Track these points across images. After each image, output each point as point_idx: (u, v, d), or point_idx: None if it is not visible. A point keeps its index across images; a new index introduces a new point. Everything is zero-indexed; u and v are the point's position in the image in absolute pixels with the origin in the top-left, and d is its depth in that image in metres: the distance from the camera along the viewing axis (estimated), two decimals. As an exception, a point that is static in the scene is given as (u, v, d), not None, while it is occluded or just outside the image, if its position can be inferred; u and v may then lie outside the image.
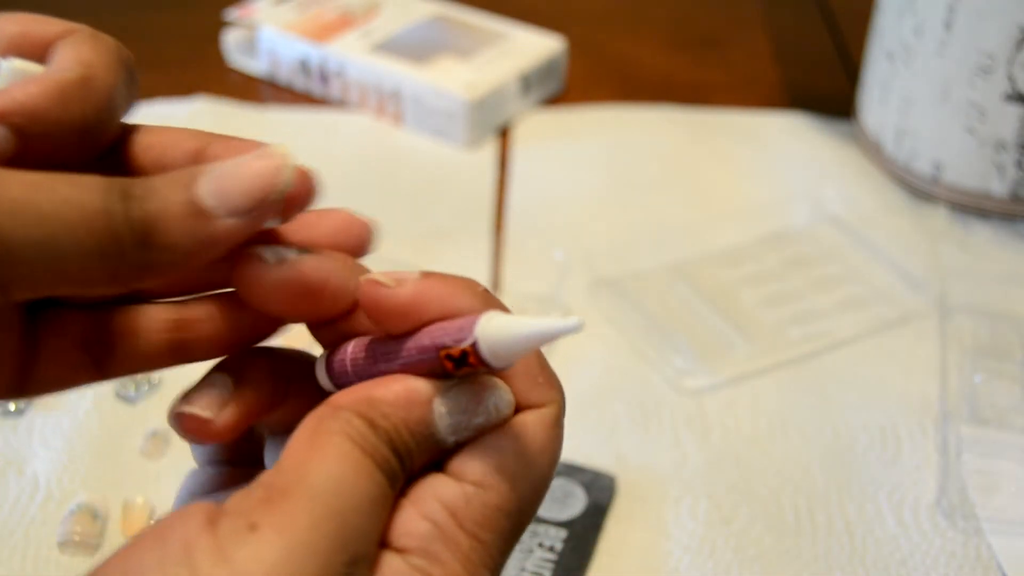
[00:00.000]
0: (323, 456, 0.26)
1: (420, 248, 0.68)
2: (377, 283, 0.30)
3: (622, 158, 0.77)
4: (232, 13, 0.86)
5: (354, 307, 0.31)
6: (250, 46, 0.86)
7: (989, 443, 0.55)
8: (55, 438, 0.54)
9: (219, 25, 0.88)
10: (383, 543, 0.27)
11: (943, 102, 0.69)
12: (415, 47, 0.83)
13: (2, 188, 0.24)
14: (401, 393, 0.28)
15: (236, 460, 0.33)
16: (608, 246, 0.68)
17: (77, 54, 0.30)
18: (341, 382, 0.30)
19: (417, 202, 0.72)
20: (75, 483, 0.52)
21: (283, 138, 0.86)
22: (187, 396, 0.30)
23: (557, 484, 0.52)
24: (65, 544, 0.49)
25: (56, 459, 0.53)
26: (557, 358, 0.60)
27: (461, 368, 0.27)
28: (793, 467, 0.54)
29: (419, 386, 0.28)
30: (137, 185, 0.27)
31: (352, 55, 0.80)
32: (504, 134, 0.80)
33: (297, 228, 0.33)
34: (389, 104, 0.80)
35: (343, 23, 0.85)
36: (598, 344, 0.61)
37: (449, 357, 0.27)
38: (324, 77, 0.82)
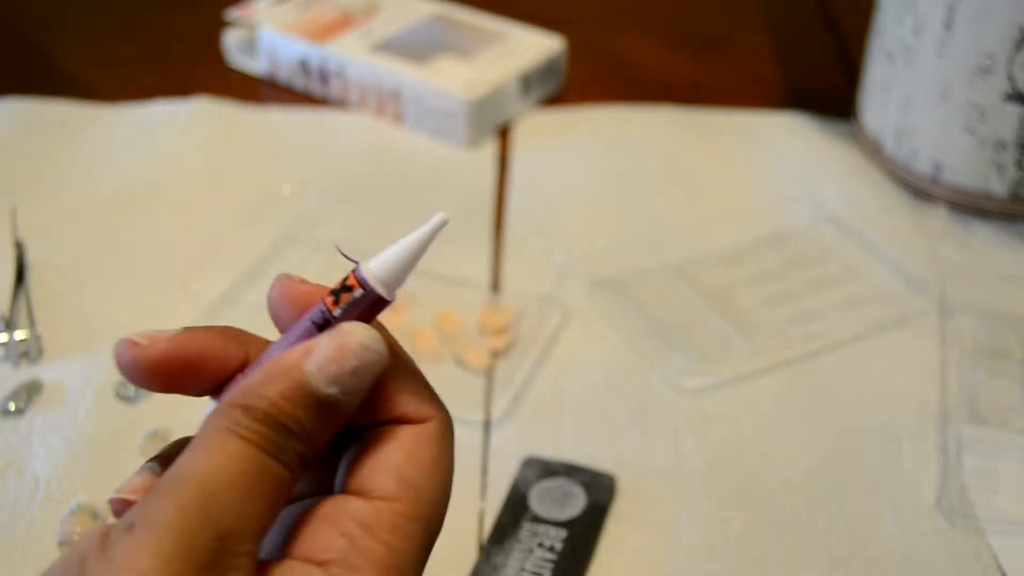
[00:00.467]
0: (200, 449, 0.28)
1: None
2: (132, 343, 0.31)
3: (622, 158, 0.77)
4: (232, 13, 0.86)
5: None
6: (250, 46, 0.86)
7: (989, 443, 0.55)
8: (55, 438, 0.54)
9: (219, 25, 0.88)
10: (306, 559, 0.29)
11: (943, 102, 0.69)
12: (415, 47, 0.83)
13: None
14: (270, 370, 0.29)
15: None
16: (608, 246, 0.68)
17: None
18: None
19: (417, 202, 0.72)
20: (75, 483, 0.52)
21: (283, 138, 0.86)
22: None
23: (557, 484, 0.52)
24: (65, 544, 0.49)
25: (56, 459, 0.53)
26: (557, 358, 0.60)
27: (340, 297, 0.29)
28: (793, 467, 0.54)
29: (285, 357, 0.29)
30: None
31: (352, 55, 0.80)
32: (504, 134, 0.80)
33: None
34: (389, 104, 0.80)
35: (343, 23, 0.85)
36: (598, 344, 0.61)
37: (332, 292, 0.30)
38: (324, 77, 0.82)
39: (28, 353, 0.59)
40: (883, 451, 0.55)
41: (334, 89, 0.82)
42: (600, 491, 0.52)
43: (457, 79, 0.78)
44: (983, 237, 0.70)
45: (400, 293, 0.67)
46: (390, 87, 0.79)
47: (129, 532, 0.26)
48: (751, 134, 0.80)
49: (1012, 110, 0.67)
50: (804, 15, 0.99)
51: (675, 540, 0.50)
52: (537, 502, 0.51)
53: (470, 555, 0.49)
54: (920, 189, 0.73)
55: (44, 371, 0.58)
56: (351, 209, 0.71)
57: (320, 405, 0.29)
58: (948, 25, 0.67)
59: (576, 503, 0.51)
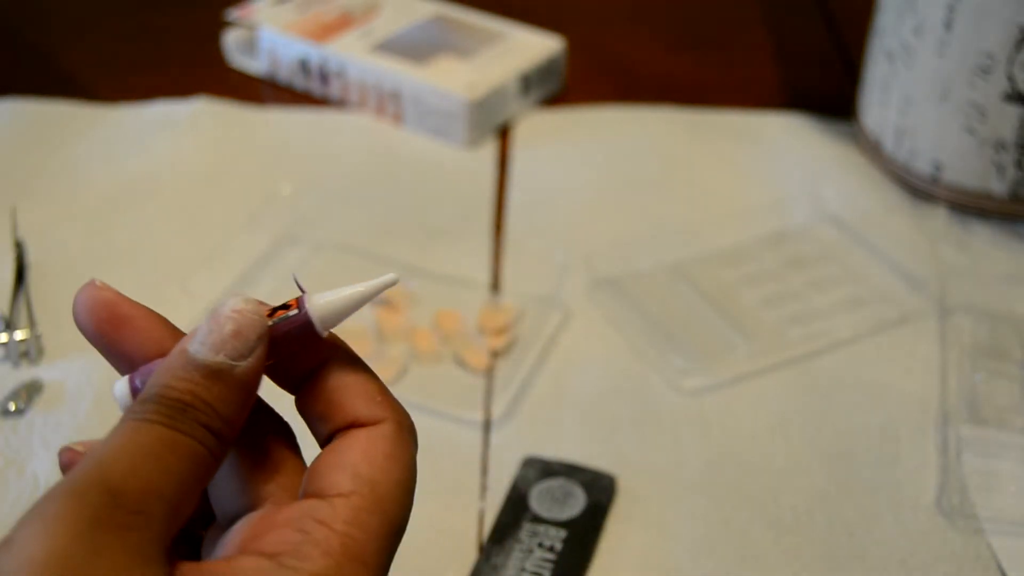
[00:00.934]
0: (103, 441, 0.29)
1: (420, 248, 0.68)
2: (94, 284, 0.32)
3: (622, 158, 0.77)
4: (232, 13, 0.86)
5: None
6: (250, 46, 0.86)
7: (989, 443, 0.55)
8: (55, 438, 0.54)
9: (219, 25, 0.88)
10: (259, 553, 0.29)
11: (943, 102, 0.69)
12: (415, 47, 0.83)
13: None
14: (162, 363, 0.30)
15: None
16: (608, 246, 0.68)
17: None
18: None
19: (417, 202, 0.72)
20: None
21: (283, 138, 0.86)
22: None
23: (557, 484, 0.52)
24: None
25: (56, 459, 0.53)
26: (557, 358, 0.60)
27: (275, 312, 0.31)
28: (793, 467, 0.54)
29: (174, 343, 0.31)
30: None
31: (352, 55, 0.80)
32: (504, 134, 0.80)
33: None
34: (389, 104, 0.80)
35: (343, 23, 0.85)
36: (598, 344, 0.61)
37: (272, 308, 0.31)
38: (324, 77, 0.82)
39: (28, 353, 0.59)
40: (883, 451, 0.55)
41: (334, 89, 0.82)
42: (600, 491, 0.52)
43: (457, 79, 0.78)
44: (983, 237, 0.70)
45: (400, 293, 0.67)
46: (390, 87, 0.79)
47: (26, 513, 0.27)
48: (751, 134, 0.80)
49: (1012, 110, 0.67)
50: (804, 15, 0.99)
51: (675, 540, 0.50)
52: (537, 502, 0.51)
53: (470, 555, 0.49)
54: (920, 189, 0.73)
55: (44, 371, 0.58)
56: (351, 209, 0.71)
57: (211, 374, 0.29)
58: (948, 25, 0.67)
59: (576, 503, 0.51)
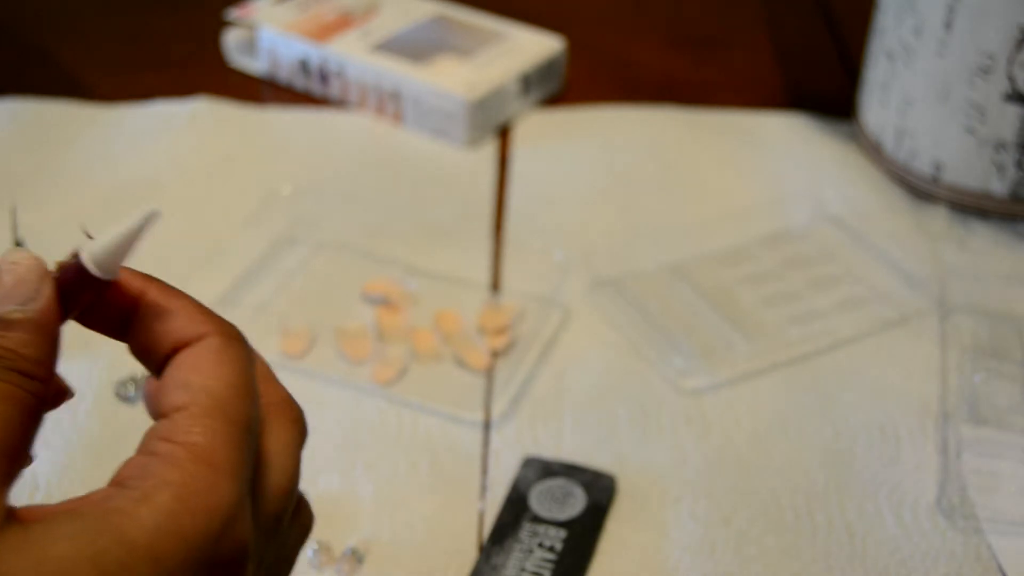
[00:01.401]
0: None
1: (420, 248, 0.67)
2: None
3: (622, 158, 0.77)
4: (232, 13, 0.86)
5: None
6: (250, 46, 0.86)
7: (989, 443, 0.55)
8: (55, 438, 0.54)
9: (219, 25, 0.88)
10: (108, 485, 0.30)
11: (943, 102, 0.69)
12: (415, 47, 0.83)
13: None
14: None
15: None
16: (608, 246, 0.68)
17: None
18: None
19: (417, 202, 0.72)
20: (75, 483, 0.52)
21: (283, 138, 0.86)
22: None
23: (557, 484, 0.52)
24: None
25: (56, 459, 0.53)
26: (557, 358, 0.60)
27: (59, 264, 0.32)
28: (793, 467, 0.54)
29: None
30: None
31: (352, 55, 0.80)
32: (504, 134, 0.80)
33: None
34: (389, 104, 0.80)
35: (343, 23, 0.85)
36: (598, 344, 0.61)
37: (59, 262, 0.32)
38: (324, 77, 0.82)
39: (28, 353, 0.59)
40: (883, 451, 0.55)
41: (334, 89, 0.82)
42: (600, 491, 0.52)
43: (457, 79, 0.78)
44: (983, 237, 0.70)
45: (400, 293, 0.67)
46: (390, 87, 0.79)
47: None
48: (751, 134, 0.80)
49: (1012, 110, 0.67)
50: (804, 15, 0.99)
51: (675, 540, 0.50)
52: (537, 502, 0.51)
53: (470, 555, 0.49)
54: (920, 189, 0.73)
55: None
56: (351, 209, 0.71)
57: (4, 324, 0.30)
58: (948, 25, 0.67)
59: (576, 503, 0.51)
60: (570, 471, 0.53)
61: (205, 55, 0.88)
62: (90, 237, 0.33)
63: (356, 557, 0.49)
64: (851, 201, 0.72)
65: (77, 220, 0.70)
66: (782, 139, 0.79)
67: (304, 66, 0.83)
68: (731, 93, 0.86)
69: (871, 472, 0.54)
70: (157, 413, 0.32)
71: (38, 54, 0.89)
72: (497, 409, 0.57)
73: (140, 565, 0.28)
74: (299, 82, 0.84)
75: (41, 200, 0.71)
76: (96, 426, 0.55)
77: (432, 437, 0.55)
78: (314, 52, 0.82)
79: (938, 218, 0.71)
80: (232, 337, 0.33)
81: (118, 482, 0.30)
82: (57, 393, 0.34)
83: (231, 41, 0.87)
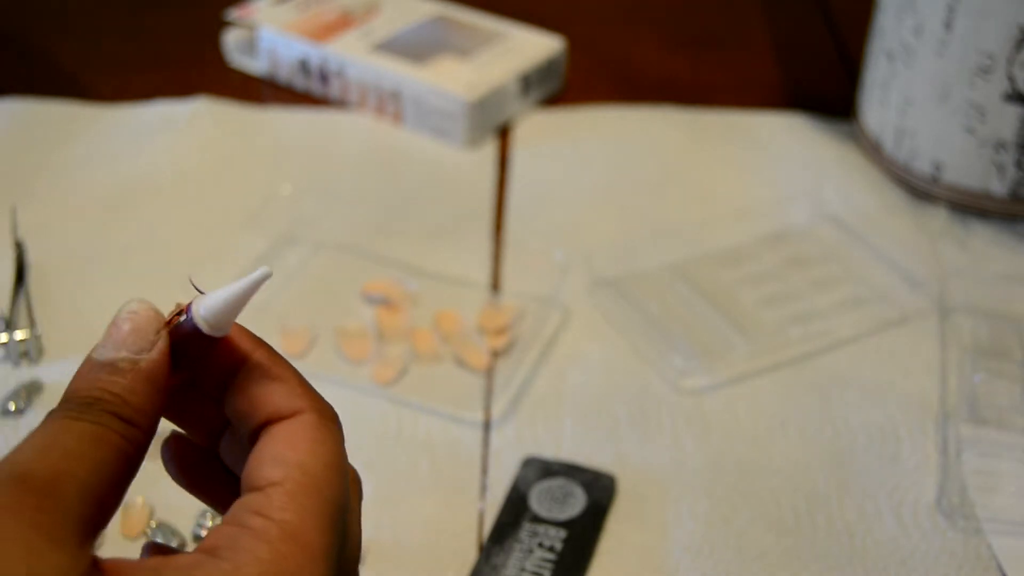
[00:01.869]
0: None
1: (420, 248, 0.67)
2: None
3: (622, 158, 0.77)
4: (232, 13, 0.86)
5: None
6: (250, 46, 0.86)
7: (989, 443, 0.55)
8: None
9: (219, 25, 0.88)
10: (199, 551, 0.29)
11: (943, 102, 0.69)
12: (415, 47, 0.83)
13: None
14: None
15: None
16: (608, 246, 0.68)
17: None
18: None
19: (417, 202, 0.72)
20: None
21: (283, 138, 0.86)
22: None
23: (557, 484, 0.52)
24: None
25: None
26: (557, 358, 0.60)
27: (172, 319, 0.32)
28: (793, 467, 0.54)
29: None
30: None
31: (352, 55, 0.80)
32: (504, 134, 0.80)
33: None
34: (389, 104, 0.80)
35: (343, 23, 0.85)
36: (598, 344, 0.61)
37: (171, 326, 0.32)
38: (324, 77, 0.82)
39: (28, 353, 0.59)
40: (883, 451, 0.55)
41: (334, 89, 0.82)
42: (600, 491, 0.52)
43: (457, 79, 0.78)
44: (983, 237, 0.70)
45: (400, 293, 0.67)
46: (390, 87, 0.79)
47: None
48: (751, 134, 0.80)
49: (1012, 110, 0.67)
50: (804, 15, 0.99)
51: (675, 540, 0.50)
52: (537, 502, 0.51)
53: (470, 555, 0.49)
54: (920, 189, 0.73)
55: (44, 371, 0.58)
56: (351, 209, 0.71)
57: (116, 371, 0.31)
58: (948, 25, 0.67)
59: (576, 503, 0.51)
60: (570, 471, 0.53)
61: (205, 55, 0.88)
62: (200, 291, 0.33)
63: (356, 557, 0.49)
64: (851, 201, 0.72)
65: (77, 220, 0.70)
66: (782, 139, 0.80)
67: (304, 66, 0.83)
68: (731, 93, 0.86)
69: (871, 472, 0.54)
70: (250, 486, 0.31)
71: (38, 54, 0.89)
72: (497, 409, 0.57)
73: None
74: (299, 82, 0.84)
75: (41, 200, 0.71)
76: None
77: (432, 437, 0.55)
78: (314, 52, 0.82)
79: (938, 218, 0.71)
80: (326, 415, 0.33)
81: (207, 550, 0.29)
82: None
83: (231, 41, 0.87)
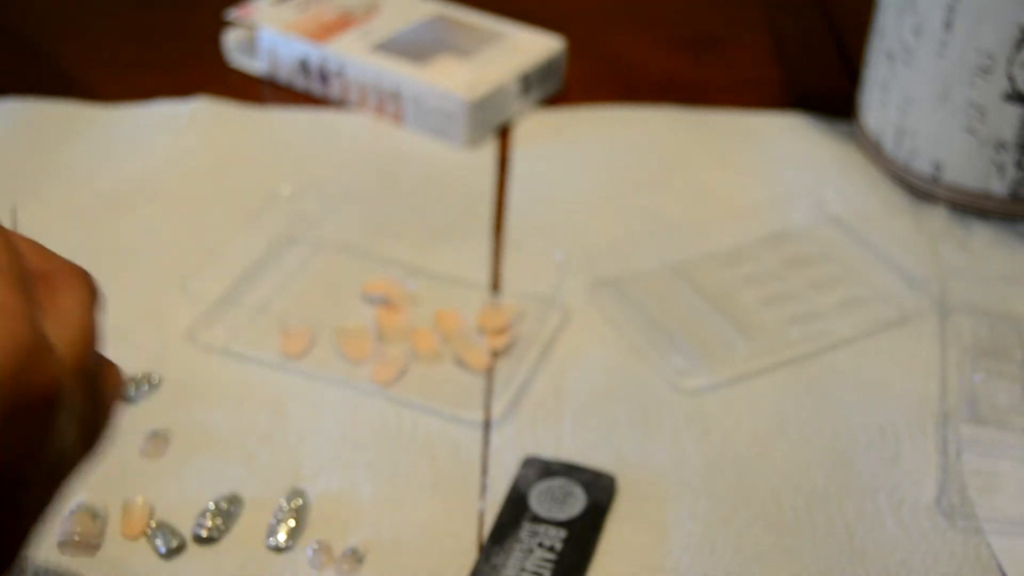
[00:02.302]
0: None
1: (420, 248, 0.67)
2: None
3: (622, 158, 0.77)
4: (232, 13, 0.86)
5: None
6: (250, 46, 0.86)
7: (989, 443, 0.55)
8: (55, 438, 0.54)
9: (219, 25, 0.88)
10: None
11: (943, 102, 0.70)
12: (415, 47, 0.83)
13: None
14: None
15: None
16: (608, 246, 0.68)
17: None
18: None
19: (417, 202, 0.72)
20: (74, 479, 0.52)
21: (283, 138, 0.86)
22: None
23: (557, 484, 0.52)
24: (65, 544, 0.49)
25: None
26: (557, 358, 0.60)
27: None
28: (793, 467, 0.54)
29: None
30: None
31: (352, 55, 0.80)
32: (504, 134, 0.80)
33: None
34: (389, 104, 0.80)
35: (343, 23, 0.85)
36: (598, 344, 0.61)
37: None
38: (324, 77, 0.82)
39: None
40: (883, 451, 0.55)
41: (334, 89, 0.82)
42: (600, 491, 0.52)
43: (457, 79, 0.78)
44: (983, 237, 0.70)
45: (401, 293, 0.67)
46: (390, 87, 0.79)
47: None
48: (751, 134, 0.80)
49: (1012, 110, 0.67)
50: (804, 15, 0.99)
51: (675, 540, 0.50)
52: (537, 502, 0.51)
53: (470, 555, 0.49)
54: (920, 189, 0.73)
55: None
56: (351, 209, 0.71)
57: None
58: (948, 25, 0.67)
59: (576, 503, 0.51)
60: (570, 471, 0.53)
61: (205, 55, 0.88)
62: None
63: (356, 557, 0.49)
64: (851, 201, 0.72)
65: (77, 220, 0.70)
66: (782, 139, 0.80)
67: (304, 66, 0.83)
68: (731, 93, 0.86)
69: (871, 472, 0.54)
70: None
71: (38, 54, 0.89)
72: (497, 409, 0.57)
73: None
74: (299, 82, 0.84)
75: (41, 200, 0.71)
76: (96, 426, 0.55)
77: (432, 437, 0.55)
78: (314, 52, 0.82)
79: (938, 218, 0.71)
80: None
81: None
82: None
83: (231, 41, 0.87)
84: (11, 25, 0.93)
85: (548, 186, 0.74)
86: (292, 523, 0.50)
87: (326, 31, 0.83)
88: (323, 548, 0.49)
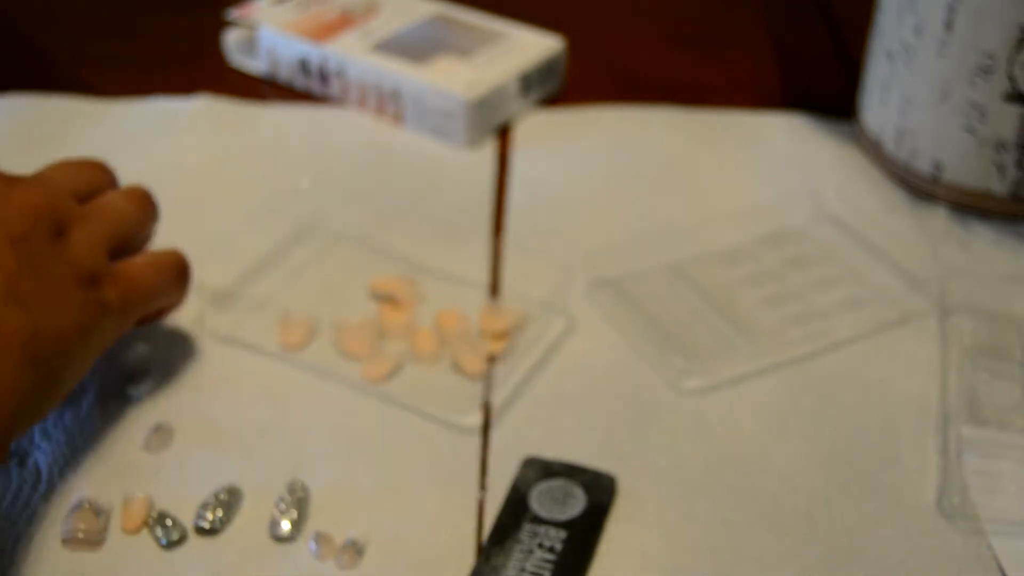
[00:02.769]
0: None
1: (419, 248, 0.67)
2: None
3: (622, 158, 0.77)
4: (232, 12, 0.86)
5: None
6: (250, 46, 0.86)
7: (989, 443, 0.55)
8: (56, 431, 0.54)
9: (219, 25, 0.88)
10: None
11: (943, 102, 0.69)
12: (415, 47, 0.83)
13: None
14: None
15: None
16: (608, 246, 0.68)
17: None
18: None
19: (416, 202, 0.72)
20: (78, 476, 0.52)
21: (282, 137, 0.86)
22: None
23: (557, 484, 0.52)
24: (68, 541, 0.49)
25: (58, 452, 0.53)
26: (557, 358, 0.60)
27: None
28: (793, 467, 0.54)
29: None
30: None
31: (352, 55, 0.80)
32: (504, 134, 0.80)
33: None
34: (389, 104, 0.80)
35: (343, 23, 0.85)
36: (598, 344, 0.61)
37: None
38: (324, 77, 0.82)
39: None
40: (883, 451, 0.55)
41: (334, 89, 0.82)
42: (600, 491, 0.52)
43: (457, 79, 0.78)
44: (983, 237, 0.70)
45: (404, 291, 0.67)
46: (390, 87, 0.79)
47: None
48: (751, 134, 0.80)
49: (1012, 110, 0.67)
50: (804, 15, 0.99)
51: (675, 540, 0.50)
52: (537, 502, 0.51)
53: (470, 555, 0.49)
54: (920, 189, 0.73)
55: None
56: (351, 208, 0.71)
57: None
58: (948, 25, 0.67)
59: (576, 504, 0.51)
60: (570, 471, 0.53)
61: (205, 55, 0.88)
62: None
63: (356, 549, 0.49)
64: (851, 201, 0.72)
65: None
66: (782, 139, 0.79)
67: (304, 66, 0.83)
68: (731, 93, 0.86)
69: (871, 472, 0.54)
70: None
71: (39, 55, 0.89)
72: (497, 409, 0.57)
73: None
74: (299, 82, 0.84)
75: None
76: (98, 420, 0.55)
77: (432, 437, 0.55)
78: (314, 52, 0.82)
79: (938, 218, 0.71)
80: None
81: None
82: None
83: (231, 41, 0.87)
84: (11, 23, 0.93)
85: (548, 186, 0.74)
86: (295, 514, 0.50)
87: (326, 31, 0.83)
88: (324, 540, 0.49)
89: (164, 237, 0.69)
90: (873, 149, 0.76)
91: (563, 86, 0.85)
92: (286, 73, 0.85)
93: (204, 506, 0.50)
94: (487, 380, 0.58)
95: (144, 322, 0.56)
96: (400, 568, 0.49)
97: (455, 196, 0.73)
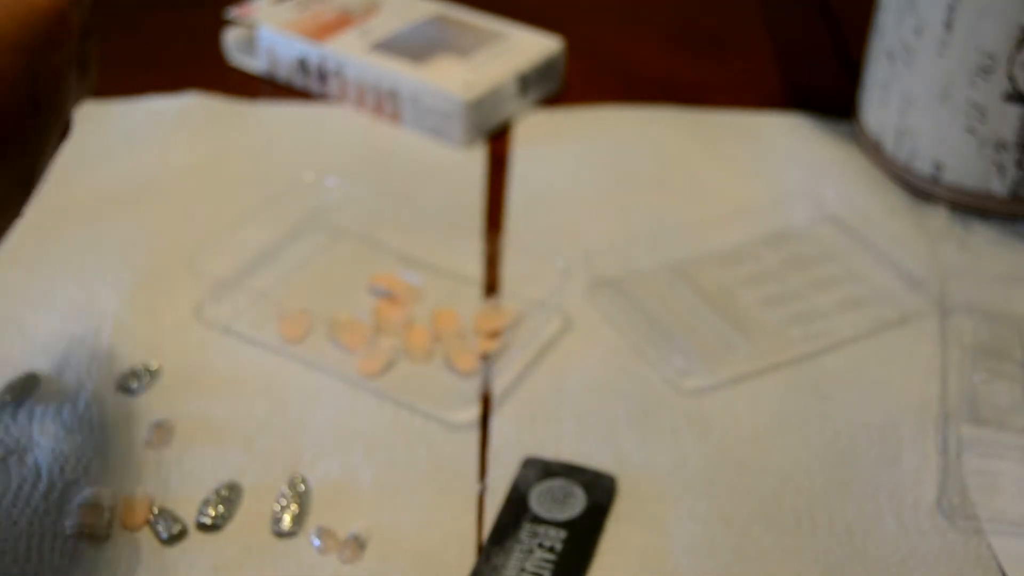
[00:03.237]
0: None
1: (417, 247, 0.67)
2: None
3: (622, 158, 0.77)
4: (231, 12, 0.86)
5: None
6: (249, 45, 0.86)
7: (989, 443, 0.55)
8: (56, 428, 0.54)
9: (219, 24, 0.88)
10: None
11: (943, 102, 0.69)
12: (414, 46, 0.83)
13: None
14: None
15: None
16: (608, 246, 0.68)
17: None
18: None
19: (414, 202, 0.72)
20: (77, 473, 0.52)
21: (278, 134, 0.86)
22: None
23: (557, 484, 0.52)
24: (74, 535, 0.49)
25: (57, 449, 0.53)
26: (557, 358, 0.60)
27: None
28: (793, 467, 0.54)
29: None
30: None
31: (350, 54, 0.80)
32: (503, 134, 0.80)
33: None
34: (387, 103, 0.80)
35: (342, 22, 0.84)
36: (598, 344, 0.61)
37: None
38: (322, 76, 0.82)
39: (26, 352, 0.59)
40: (883, 451, 0.55)
41: (332, 88, 0.82)
42: (600, 491, 0.52)
43: (455, 79, 0.77)
44: (983, 237, 0.70)
45: (403, 288, 0.67)
46: (388, 86, 0.79)
47: None
48: (751, 134, 0.80)
49: (1013, 110, 0.67)
50: (804, 15, 0.99)
51: (675, 540, 0.50)
52: (537, 502, 0.51)
53: (470, 555, 0.49)
54: (920, 189, 0.73)
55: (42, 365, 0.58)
56: (350, 208, 0.71)
57: None
58: (948, 25, 0.67)
59: (576, 503, 0.51)
60: (570, 471, 0.52)
61: (204, 54, 0.88)
62: None
63: (359, 543, 0.49)
64: (851, 201, 0.72)
65: (74, 216, 0.70)
66: (782, 139, 0.79)
67: (303, 65, 0.83)
68: (731, 93, 0.86)
69: (871, 472, 0.54)
70: None
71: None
72: (496, 409, 0.57)
73: None
74: (298, 81, 0.84)
75: (39, 196, 0.71)
76: (96, 417, 0.55)
77: (431, 437, 0.55)
78: (313, 51, 0.82)
79: (938, 218, 0.71)
80: None
81: None
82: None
83: (231, 40, 0.87)
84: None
85: (548, 186, 0.74)
86: (296, 509, 0.50)
87: (325, 30, 0.83)
88: (327, 534, 0.49)
89: (160, 232, 0.69)
90: (873, 149, 0.76)
91: (562, 86, 0.85)
92: (285, 72, 0.84)
93: (206, 502, 0.50)
94: (480, 377, 0.58)
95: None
96: (400, 563, 0.49)
97: (453, 196, 0.73)
